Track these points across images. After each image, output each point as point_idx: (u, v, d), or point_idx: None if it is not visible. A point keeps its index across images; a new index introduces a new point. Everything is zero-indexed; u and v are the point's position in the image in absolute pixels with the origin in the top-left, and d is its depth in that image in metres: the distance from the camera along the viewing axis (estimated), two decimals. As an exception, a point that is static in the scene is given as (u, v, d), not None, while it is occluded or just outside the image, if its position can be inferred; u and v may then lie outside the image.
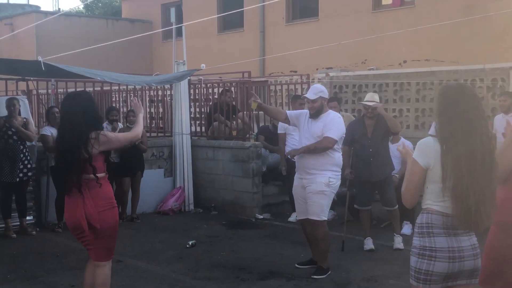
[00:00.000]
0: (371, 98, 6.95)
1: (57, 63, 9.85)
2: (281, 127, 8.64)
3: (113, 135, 4.50)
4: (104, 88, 11.57)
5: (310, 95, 5.91)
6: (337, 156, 5.91)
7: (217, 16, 16.63)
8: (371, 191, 7.06)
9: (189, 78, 10.05)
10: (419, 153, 3.13)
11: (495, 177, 3.10)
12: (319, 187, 5.77)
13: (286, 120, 6.18)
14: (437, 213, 3.08)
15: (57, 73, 6.14)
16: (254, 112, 9.52)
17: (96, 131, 4.24)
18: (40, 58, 5.47)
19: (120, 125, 8.97)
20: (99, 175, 4.25)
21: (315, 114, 5.90)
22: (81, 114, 4.20)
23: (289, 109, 9.67)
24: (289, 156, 6.38)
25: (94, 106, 4.41)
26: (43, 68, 5.53)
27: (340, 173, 5.99)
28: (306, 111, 6.10)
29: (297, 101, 8.65)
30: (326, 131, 5.80)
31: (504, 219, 3.35)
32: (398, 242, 6.89)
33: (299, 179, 6.01)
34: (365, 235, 7.02)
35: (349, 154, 7.03)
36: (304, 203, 5.97)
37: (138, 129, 4.60)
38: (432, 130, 3.15)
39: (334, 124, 5.87)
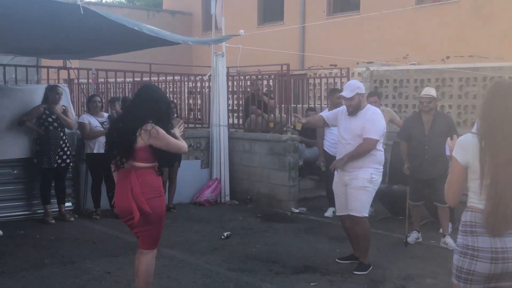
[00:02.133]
0: (427, 92, 6.90)
1: (96, 58, 9.94)
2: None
3: (164, 135, 4.30)
4: (144, 79, 11.66)
5: (347, 93, 5.77)
6: (379, 154, 5.83)
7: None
8: (423, 187, 6.94)
9: (227, 70, 10.07)
10: (457, 150, 3.09)
11: None
12: (361, 183, 5.70)
13: (325, 124, 6.34)
14: (481, 212, 3.00)
15: (96, 19, 5.80)
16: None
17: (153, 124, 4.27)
18: (79, 2, 5.29)
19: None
20: (142, 164, 4.28)
21: (353, 111, 5.79)
22: (146, 105, 4.30)
23: (327, 103, 9.58)
24: (332, 170, 6.11)
25: (162, 102, 4.40)
26: (82, 12, 5.31)
27: (382, 170, 5.90)
28: (343, 108, 6.00)
29: (335, 94, 8.54)
30: (365, 132, 5.69)
31: None
32: (450, 243, 6.60)
33: (340, 176, 5.93)
34: (413, 228, 7.02)
35: (407, 150, 7.00)
36: (344, 199, 5.89)
37: (184, 144, 4.53)
38: (475, 128, 3.08)
39: (373, 122, 5.74)
